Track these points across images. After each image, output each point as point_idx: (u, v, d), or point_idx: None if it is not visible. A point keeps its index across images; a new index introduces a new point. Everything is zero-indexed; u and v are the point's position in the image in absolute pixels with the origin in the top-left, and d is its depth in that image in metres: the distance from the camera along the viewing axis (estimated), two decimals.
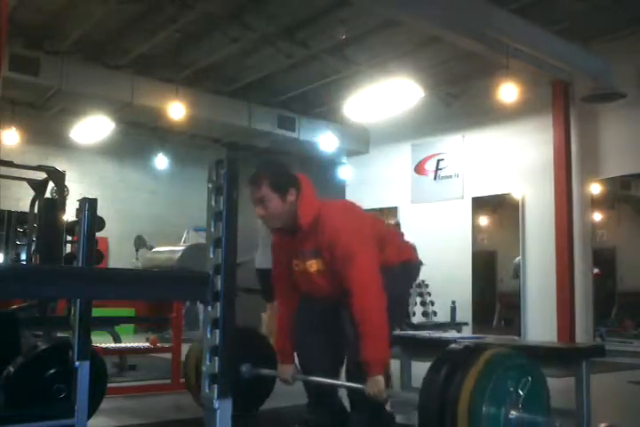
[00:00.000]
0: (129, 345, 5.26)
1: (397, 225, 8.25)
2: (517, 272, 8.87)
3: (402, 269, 2.87)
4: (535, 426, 2.05)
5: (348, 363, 2.73)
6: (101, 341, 5.24)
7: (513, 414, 2.01)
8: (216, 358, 1.45)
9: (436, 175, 10.00)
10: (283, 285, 2.97)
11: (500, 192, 9.20)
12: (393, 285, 2.63)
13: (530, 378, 2.11)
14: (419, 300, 8.66)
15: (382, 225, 3.21)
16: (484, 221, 9.90)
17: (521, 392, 2.06)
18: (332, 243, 2.64)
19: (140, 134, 11.22)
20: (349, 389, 2.75)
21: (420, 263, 3.09)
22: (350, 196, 11.19)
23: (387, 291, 2.57)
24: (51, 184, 6.41)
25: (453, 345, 2.27)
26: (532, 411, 2.06)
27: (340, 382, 2.73)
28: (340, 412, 2.91)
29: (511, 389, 2.05)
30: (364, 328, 2.50)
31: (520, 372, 2.11)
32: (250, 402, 3.25)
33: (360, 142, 11.09)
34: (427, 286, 8.48)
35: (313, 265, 2.74)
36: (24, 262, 7.26)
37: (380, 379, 2.45)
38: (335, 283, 2.70)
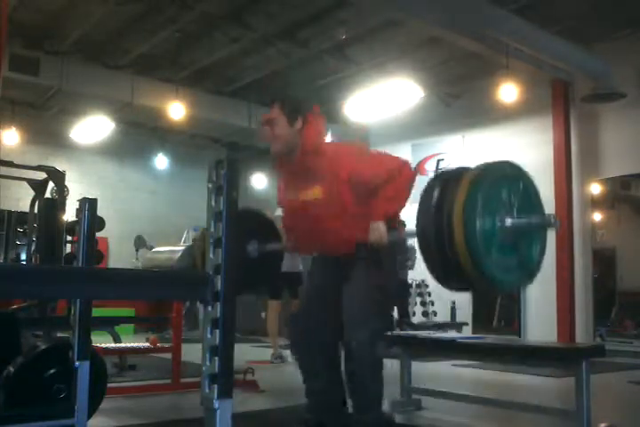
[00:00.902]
0: (129, 345, 5.25)
1: (402, 224, 8.24)
2: None
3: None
4: (531, 227, 2.07)
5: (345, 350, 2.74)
6: (101, 341, 5.24)
7: (508, 221, 2.02)
8: (216, 358, 1.45)
9: None
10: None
11: None
12: (386, 270, 2.75)
13: (518, 185, 2.14)
14: (419, 300, 8.66)
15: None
16: None
17: (514, 199, 2.08)
18: (333, 164, 2.70)
19: (140, 134, 11.22)
20: (350, 390, 2.75)
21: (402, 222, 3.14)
22: None
23: (382, 278, 2.68)
24: (51, 184, 6.40)
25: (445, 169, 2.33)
26: (526, 214, 2.09)
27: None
28: (340, 412, 2.91)
29: (503, 197, 2.07)
30: (386, 189, 2.63)
31: (510, 180, 2.14)
32: (258, 281, 3.23)
33: (360, 142, 11.08)
34: (427, 286, 8.49)
35: (310, 193, 2.75)
36: (24, 262, 7.26)
37: (381, 226, 2.61)
38: (330, 213, 2.71)
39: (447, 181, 2.13)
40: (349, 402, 2.85)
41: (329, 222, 2.74)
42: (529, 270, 2.13)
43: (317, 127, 2.80)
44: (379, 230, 2.61)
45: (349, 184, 2.68)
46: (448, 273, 2.10)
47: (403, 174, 2.72)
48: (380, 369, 2.74)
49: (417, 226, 2.17)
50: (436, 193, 2.10)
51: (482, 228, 1.97)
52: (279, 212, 3.23)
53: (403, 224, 3.13)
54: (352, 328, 2.63)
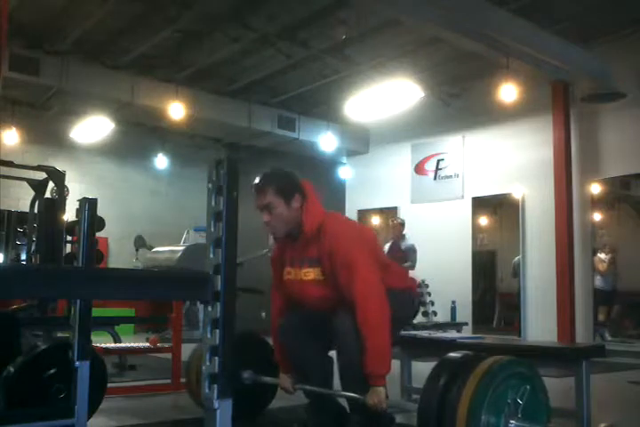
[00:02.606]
0: (129, 345, 5.26)
1: (402, 225, 8.25)
2: (517, 271, 8.88)
3: (401, 293, 2.84)
4: None
5: (344, 372, 2.69)
6: (101, 341, 5.24)
7: (512, 423, 2.01)
8: (216, 358, 1.45)
9: (436, 175, 10.00)
10: (281, 300, 2.97)
11: (499, 192, 9.20)
12: (395, 305, 2.62)
13: (529, 386, 2.10)
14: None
15: (383, 253, 3.21)
16: (484, 221, 9.91)
17: (520, 401, 2.05)
18: (332, 250, 2.63)
19: (139, 134, 11.21)
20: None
21: (419, 295, 3.10)
22: (350, 196, 11.20)
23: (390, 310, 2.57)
24: (51, 184, 6.41)
25: (452, 354, 2.26)
26: (532, 419, 2.06)
27: (340, 393, 2.71)
28: (339, 412, 2.91)
29: (510, 397, 2.04)
30: (369, 343, 2.49)
31: (519, 380, 2.09)
32: (251, 407, 3.25)
33: (360, 142, 11.09)
34: (427, 286, 8.48)
35: (310, 273, 2.72)
36: (24, 262, 7.26)
37: (382, 390, 2.48)
38: (329, 295, 2.69)
39: (454, 371, 2.09)
40: (347, 403, 2.85)
41: (325, 299, 2.71)
42: None
43: (317, 205, 2.75)
44: (378, 395, 2.46)
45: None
46: None
47: (371, 310, 2.51)
48: None
49: (418, 413, 2.10)
50: (441, 384, 2.06)
51: (486, 426, 1.96)
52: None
53: (418, 299, 3.12)
54: (353, 362, 2.57)
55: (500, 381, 2.03)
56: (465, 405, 1.94)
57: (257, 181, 2.73)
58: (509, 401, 2.03)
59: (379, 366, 2.50)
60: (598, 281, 8.28)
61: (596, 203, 8.37)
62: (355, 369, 2.53)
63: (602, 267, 8.40)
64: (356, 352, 2.52)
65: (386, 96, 8.56)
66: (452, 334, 4.35)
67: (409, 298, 2.98)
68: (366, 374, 2.50)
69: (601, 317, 8.25)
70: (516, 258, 8.93)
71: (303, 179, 2.81)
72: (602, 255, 8.48)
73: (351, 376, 2.61)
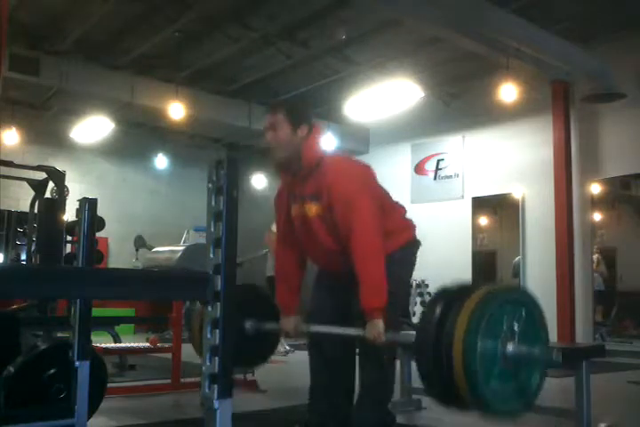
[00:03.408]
0: (129, 345, 5.26)
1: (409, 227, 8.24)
2: (517, 272, 8.89)
3: (403, 254, 2.80)
4: (533, 357, 2.06)
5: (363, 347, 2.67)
6: (101, 341, 5.24)
7: (509, 347, 2.02)
8: (216, 358, 1.45)
9: (435, 175, 10.01)
10: (284, 234, 2.91)
11: (499, 192, 9.20)
12: (394, 272, 2.61)
13: (524, 311, 2.12)
14: (419, 300, 8.65)
15: (387, 194, 3.01)
16: (483, 221, 9.91)
17: (516, 326, 2.07)
18: (331, 185, 2.61)
19: (139, 134, 11.21)
20: (359, 388, 2.74)
21: (419, 243, 3.05)
22: None
23: (390, 279, 2.54)
24: (51, 184, 6.41)
25: (447, 285, 2.28)
26: (529, 343, 2.07)
27: (343, 331, 2.67)
28: (340, 412, 2.91)
29: (506, 323, 2.06)
30: (363, 277, 2.50)
31: (514, 305, 2.12)
32: (253, 359, 3.22)
33: (360, 142, 11.09)
34: (427, 286, 8.49)
35: (312, 209, 2.68)
36: (24, 262, 7.26)
37: (379, 323, 2.46)
38: (334, 231, 2.65)
39: (451, 299, 2.11)
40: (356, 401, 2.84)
41: (328, 243, 2.69)
42: (525, 400, 2.10)
43: (318, 139, 2.75)
44: (376, 329, 2.44)
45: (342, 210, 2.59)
46: (444, 394, 2.08)
47: (367, 244, 2.52)
48: (388, 369, 2.74)
49: (415, 342, 2.11)
50: (438, 310, 2.08)
51: (482, 352, 1.94)
52: (274, 228, 3.21)
53: (418, 243, 3.04)
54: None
55: (495, 307, 2.05)
56: (461, 332, 1.95)
57: (273, 99, 2.78)
58: (505, 327, 2.04)
59: (374, 299, 2.49)
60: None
61: (596, 203, 8.37)
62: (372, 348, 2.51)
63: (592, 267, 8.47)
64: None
65: (386, 96, 8.56)
66: None
67: (409, 256, 2.91)
68: (362, 309, 2.49)
69: (597, 316, 8.27)
70: (516, 258, 8.94)
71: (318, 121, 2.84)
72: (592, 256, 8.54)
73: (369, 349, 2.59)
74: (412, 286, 8.54)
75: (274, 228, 3.46)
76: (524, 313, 2.13)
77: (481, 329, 1.97)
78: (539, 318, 2.22)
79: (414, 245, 2.94)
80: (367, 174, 2.79)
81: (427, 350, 2.04)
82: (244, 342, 2.78)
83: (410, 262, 2.91)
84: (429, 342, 2.03)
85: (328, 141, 10.25)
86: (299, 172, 2.70)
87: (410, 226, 2.95)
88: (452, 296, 2.10)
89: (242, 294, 2.94)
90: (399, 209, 2.94)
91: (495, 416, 2.12)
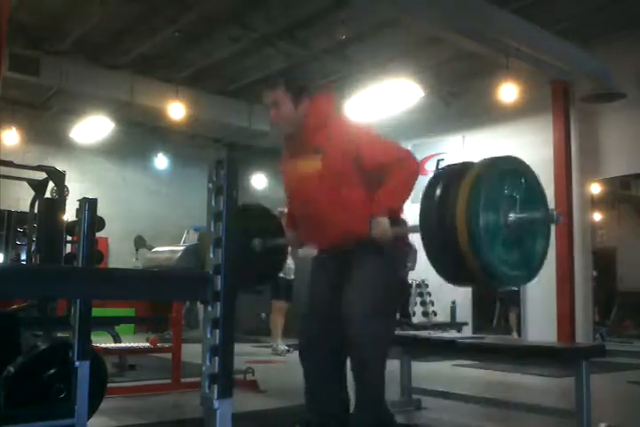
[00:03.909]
0: (129, 345, 5.26)
1: (405, 223, 8.24)
2: None
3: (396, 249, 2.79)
4: (535, 222, 2.07)
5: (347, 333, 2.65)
6: (101, 341, 5.24)
7: (511, 216, 2.02)
8: (216, 359, 1.45)
9: None
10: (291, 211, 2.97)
11: None
12: (390, 268, 2.64)
13: (523, 180, 2.14)
14: (419, 300, 8.66)
15: None
16: None
17: (516, 195, 2.07)
18: (340, 133, 2.63)
19: (139, 134, 11.22)
20: (355, 388, 2.74)
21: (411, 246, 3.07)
22: None
23: (386, 276, 2.57)
24: (51, 184, 6.41)
25: (447, 164, 2.30)
26: (530, 210, 2.09)
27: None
28: (340, 412, 2.91)
29: (506, 193, 2.07)
30: (390, 181, 2.56)
31: (512, 176, 2.14)
32: (261, 276, 3.22)
33: None
34: (427, 285, 8.49)
35: (311, 164, 2.65)
36: (24, 262, 7.26)
37: (384, 220, 2.50)
38: (333, 190, 2.61)
39: (450, 176, 2.12)
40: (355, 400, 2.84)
41: (327, 205, 2.63)
42: (532, 266, 2.12)
43: (322, 105, 2.74)
44: (381, 225, 2.49)
45: (354, 162, 2.58)
46: (452, 268, 2.09)
47: (408, 166, 2.63)
48: (382, 368, 2.73)
49: (420, 220, 2.14)
50: (439, 188, 2.09)
51: (485, 223, 1.96)
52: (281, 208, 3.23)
53: (404, 223, 3.05)
54: (353, 328, 2.57)
55: (494, 179, 2.07)
56: (462, 203, 1.97)
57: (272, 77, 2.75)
58: (506, 197, 2.05)
59: (388, 198, 2.55)
60: None
61: (596, 203, 8.37)
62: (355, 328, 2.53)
63: None
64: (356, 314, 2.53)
65: (386, 96, 8.56)
66: (451, 334, 4.36)
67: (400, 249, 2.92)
68: (375, 204, 2.53)
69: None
70: None
71: (324, 83, 2.84)
72: None
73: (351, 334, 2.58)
74: (411, 286, 8.54)
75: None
76: (520, 181, 2.15)
77: (482, 199, 1.98)
78: (536, 183, 2.24)
79: (407, 240, 2.98)
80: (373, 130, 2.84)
81: (431, 223, 2.05)
82: (252, 259, 2.84)
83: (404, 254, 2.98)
84: (433, 215, 2.03)
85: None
86: (303, 133, 2.70)
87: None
88: (452, 171, 2.12)
89: (250, 213, 3.05)
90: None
91: (503, 282, 2.13)
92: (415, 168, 2.65)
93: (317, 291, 2.88)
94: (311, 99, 2.71)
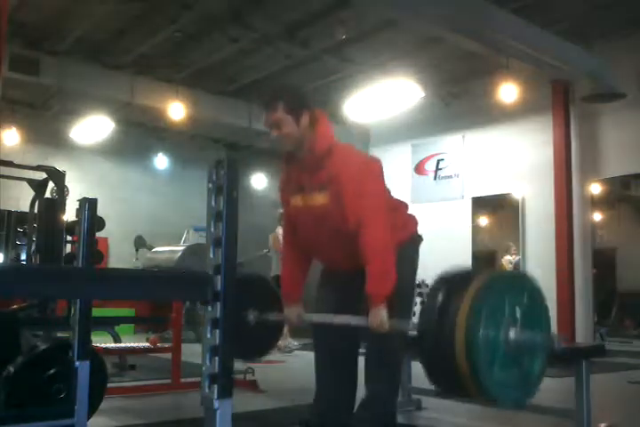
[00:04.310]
0: (129, 345, 5.26)
1: (420, 238, 8.23)
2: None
3: (404, 250, 2.77)
4: (535, 344, 2.05)
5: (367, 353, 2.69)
6: (101, 341, 5.24)
7: (511, 335, 2.01)
8: (216, 358, 1.45)
9: (436, 175, 10.01)
10: (290, 232, 2.90)
11: (499, 192, 9.20)
12: (404, 265, 2.62)
13: (526, 297, 2.11)
14: (419, 300, 8.64)
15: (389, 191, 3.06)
16: (484, 221, 9.91)
17: (517, 312, 2.06)
18: (341, 174, 2.58)
19: (139, 134, 11.21)
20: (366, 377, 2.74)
21: (421, 238, 3.04)
22: None
23: (398, 273, 2.53)
24: (51, 184, 6.41)
25: (448, 271, 2.26)
26: (531, 329, 2.06)
27: (346, 320, 2.64)
28: (341, 412, 2.90)
29: (508, 309, 2.05)
30: (371, 264, 2.50)
31: (515, 291, 2.10)
32: (257, 349, 3.21)
33: (360, 142, 11.08)
34: (427, 286, 8.46)
35: (319, 198, 2.64)
36: (24, 262, 7.26)
37: (382, 311, 2.44)
38: (340, 221, 2.60)
39: (453, 285, 2.10)
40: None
41: (332, 235, 2.65)
42: (528, 387, 2.09)
43: (328, 126, 2.72)
44: (379, 317, 2.41)
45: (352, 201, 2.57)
46: (444, 378, 2.07)
47: (382, 244, 2.52)
48: (395, 369, 2.74)
49: (418, 328, 2.09)
50: (440, 297, 2.07)
51: (484, 340, 1.94)
52: (280, 230, 3.19)
53: (420, 238, 3.04)
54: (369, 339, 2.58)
55: (497, 293, 2.04)
56: (462, 320, 1.94)
57: (266, 96, 2.67)
58: (507, 313, 2.03)
59: (379, 285, 2.48)
60: None
61: (596, 203, 8.37)
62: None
63: (508, 269, 8.89)
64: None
65: (386, 96, 8.56)
66: None
67: (412, 253, 2.91)
68: (367, 296, 2.48)
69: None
70: (516, 258, 8.94)
71: (317, 108, 2.76)
72: (510, 257, 9.01)
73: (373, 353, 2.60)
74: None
75: (279, 230, 3.47)
76: (525, 299, 2.11)
77: (483, 316, 1.95)
78: (540, 303, 2.19)
79: (416, 240, 2.95)
80: (377, 168, 2.76)
81: (429, 338, 2.03)
82: (246, 333, 2.77)
83: (411, 258, 2.91)
84: (431, 330, 2.02)
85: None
86: (307, 161, 2.67)
87: (413, 221, 2.98)
88: (452, 283, 2.09)
89: (245, 284, 2.97)
90: (403, 204, 2.96)
91: (498, 404, 2.12)
92: (383, 239, 2.54)
93: (329, 294, 2.87)
94: (312, 115, 2.68)
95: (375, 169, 2.72)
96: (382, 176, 2.74)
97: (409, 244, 2.84)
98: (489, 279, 2.06)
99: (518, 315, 2.06)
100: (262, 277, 3.27)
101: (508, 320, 2.02)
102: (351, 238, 2.56)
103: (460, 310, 1.96)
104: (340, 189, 2.57)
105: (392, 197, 2.89)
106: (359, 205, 2.54)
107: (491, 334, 1.97)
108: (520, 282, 2.17)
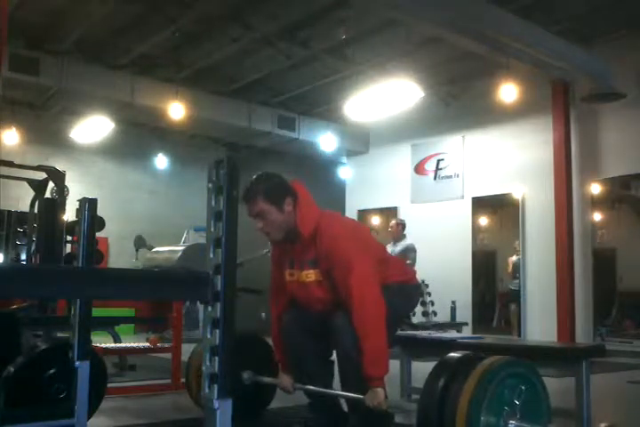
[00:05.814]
0: (129, 345, 5.26)
1: (402, 225, 8.24)
2: (516, 271, 8.91)
3: (400, 288, 2.84)
4: None
5: (344, 373, 2.69)
6: (101, 341, 5.24)
7: (512, 423, 2.00)
8: (216, 358, 1.45)
9: (435, 175, 10.00)
10: (281, 299, 2.95)
11: (500, 192, 9.20)
12: (396, 303, 2.66)
13: (528, 386, 2.10)
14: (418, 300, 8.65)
15: (384, 248, 3.21)
16: (483, 221, 9.91)
17: (518, 401, 2.05)
18: (329, 250, 2.64)
19: (139, 134, 11.21)
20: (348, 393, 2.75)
21: (419, 285, 3.08)
22: (350, 196, 11.20)
23: (387, 309, 2.57)
24: (51, 184, 6.41)
25: (451, 354, 2.25)
26: (531, 419, 2.06)
27: (340, 393, 2.70)
28: (340, 412, 2.91)
29: (509, 398, 2.04)
30: (366, 345, 2.50)
31: (518, 380, 2.09)
32: (251, 408, 3.24)
33: (360, 142, 11.09)
34: (427, 286, 8.47)
35: (311, 275, 2.72)
36: (24, 262, 7.26)
37: (381, 391, 2.47)
38: (333, 294, 2.69)
39: (453, 371, 2.09)
40: (346, 403, 2.84)
41: (330, 299, 2.72)
42: None
43: (309, 204, 2.73)
44: (377, 398, 2.44)
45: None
46: None
47: (369, 314, 2.52)
48: None
49: (418, 413, 2.09)
50: (439, 385, 2.05)
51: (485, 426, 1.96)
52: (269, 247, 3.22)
53: (418, 287, 3.13)
54: (353, 363, 2.57)
55: (499, 381, 2.03)
56: (464, 406, 1.94)
57: (244, 190, 2.64)
58: (508, 401, 2.03)
59: (376, 368, 2.50)
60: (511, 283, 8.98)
61: (596, 203, 8.37)
62: (353, 367, 2.54)
63: (509, 269, 9.10)
64: (353, 350, 2.53)
65: (386, 96, 8.56)
66: (451, 334, 4.36)
67: (408, 291, 2.98)
68: (365, 377, 2.50)
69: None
70: (516, 258, 8.95)
71: (293, 180, 2.78)
72: (514, 258, 9.05)
73: (350, 375, 2.62)
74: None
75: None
76: (525, 387, 2.09)
77: (484, 406, 1.95)
78: (542, 392, 2.17)
79: (415, 286, 3.06)
80: (362, 233, 2.88)
81: (429, 413, 2.02)
82: (241, 393, 2.80)
83: (407, 295, 2.97)
84: (432, 419, 2.01)
85: (328, 142, 10.28)
86: (297, 242, 2.72)
87: (412, 273, 3.06)
88: (453, 370, 2.08)
89: (241, 343, 2.98)
90: (400, 260, 3.06)
91: None
92: (374, 312, 2.53)
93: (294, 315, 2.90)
94: (294, 199, 2.68)
95: (362, 237, 2.82)
96: (368, 240, 2.87)
97: (403, 284, 2.90)
98: (491, 366, 2.05)
99: (518, 403, 2.05)
100: (258, 336, 3.37)
101: (509, 409, 2.02)
102: (340, 298, 2.64)
103: (460, 399, 1.96)
104: (329, 264, 2.65)
105: (386, 252, 3.04)
106: (346, 280, 2.58)
107: (491, 423, 1.97)
108: (521, 370, 2.15)
